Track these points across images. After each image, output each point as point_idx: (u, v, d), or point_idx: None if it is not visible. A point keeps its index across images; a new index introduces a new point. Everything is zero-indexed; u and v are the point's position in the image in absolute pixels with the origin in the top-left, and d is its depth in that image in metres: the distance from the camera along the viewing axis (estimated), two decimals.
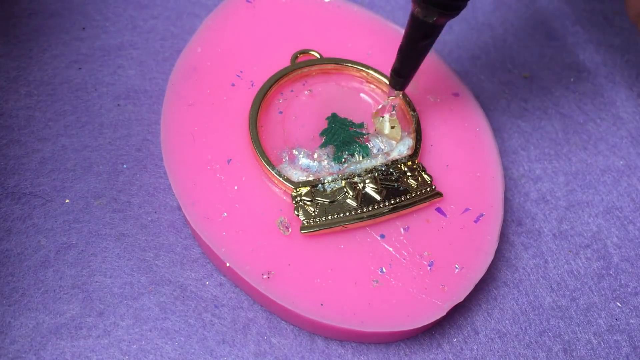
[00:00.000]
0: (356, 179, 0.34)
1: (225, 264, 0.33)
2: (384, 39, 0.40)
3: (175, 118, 0.35)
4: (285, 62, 0.37)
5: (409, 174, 0.35)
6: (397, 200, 0.34)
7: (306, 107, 0.37)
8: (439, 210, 0.35)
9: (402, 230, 0.34)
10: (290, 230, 0.33)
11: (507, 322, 0.35)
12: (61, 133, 0.37)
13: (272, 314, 0.34)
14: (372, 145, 0.36)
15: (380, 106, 0.36)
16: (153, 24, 0.41)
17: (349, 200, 0.34)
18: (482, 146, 0.37)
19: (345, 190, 0.34)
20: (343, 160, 0.35)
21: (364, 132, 0.36)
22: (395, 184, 0.35)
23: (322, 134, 0.36)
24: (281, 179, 0.34)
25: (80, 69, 0.39)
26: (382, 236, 0.34)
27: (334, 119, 0.36)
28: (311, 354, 0.33)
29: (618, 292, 0.37)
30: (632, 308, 0.36)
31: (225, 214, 0.33)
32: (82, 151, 0.37)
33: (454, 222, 0.35)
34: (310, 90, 0.37)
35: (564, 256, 0.37)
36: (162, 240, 0.35)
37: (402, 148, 0.36)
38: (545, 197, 0.39)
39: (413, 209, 0.34)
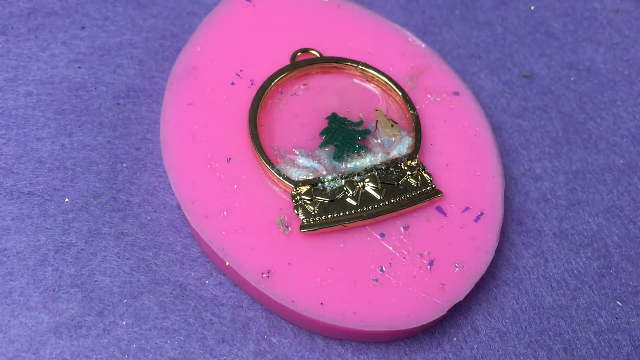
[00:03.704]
0: (356, 178, 0.34)
1: (225, 263, 0.33)
2: (384, 38, 0.40)
3: (175, 117, 0.35)
4: (285, 61, 0.37)
5: (408, 172, 0.35)
6: (397, 199, 0.34)
7: (306, 106, 0.37)
8: (438, 209, 0.35)
9: (402, 229, 0.34)
10: (290, 229, 0.33)
11: (507, 321, 0.35)
12: (60, 132, 0.37)
13: (272, 313, 0.34)
14: (371, 144, 0.36)
15: None
16: (153, 23, 0.41)
17: (348, 199, 0.34)
18: (482, 145, 0.37)
19: (345, 189, 0.34)
20: (342, 159, 0.35)
21: (362, 129, 0.36)
22: (395, 183, 0.35)
23: (322, 133, 0.36)
24: (281, 178, 0.34)
25: (79, 68, 0.39)
26: (382, 235, 0.34)
27: (334, 118, 0.36)
28: (311, 353, 0.33)
29: (618, 291, 0.37)
30: (632, 307, 0.36)
31: (225, 212, 0.33)
32: (81, 150, 0.37)
33: (454, 221, 0.35)
34: (306, 85, 0.37)
35: (565, 255, 0.37)
36: (162, 239, 0.35)
37: (401, 147, 0.36)
38: (546, 196, 0.39)
39: (413, 208, 0.34)
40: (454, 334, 0.35)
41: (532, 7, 0.43)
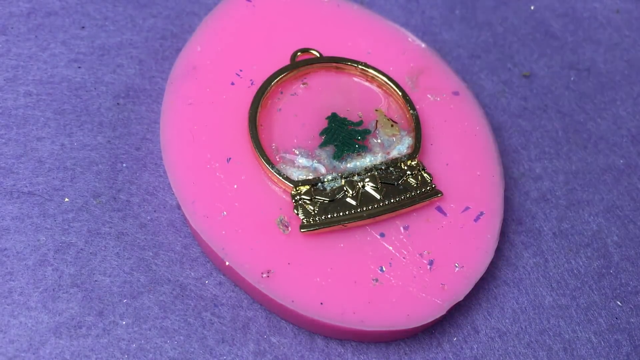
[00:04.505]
0: (356, 178, 0.34)
1: (225, 263, 0.33)
2: (384, 38, 0.40)
3: (175, 117, 0.35)
4: (285, 61, 0.37)
5: (408, 172, 0.35)
6: (397, 199, 0.34)
7: (306, 106, 0.37)
8: (438, 209, 0.35)
9: (402, 229, 0.34)
10: (289, 229, 0.33)
11: (507, 321, 0.35)
12: (60, 132, 0.37)
13: (272, 313, 0.34)
14: (371, 144, 0.36)
15: None
16: (152, 22, 0.41)
17: (348, 199, 0.34)
18: (482, 145, 0.37)
19: (345, 189, 0.34)
20: (342, 159, 0.35)
21: (362, 129, 0.36)
22: (395, 183, 0.35)
23: (322, 133, 0.36)
24: (281, 178, 0.34)
25: (79, 67, 0.39)
26: (382, 235, 0.34)
27: (334, 118, 0.36)
28: (311, 353, 0.33)
29: (618, 291, 0.37)
30: (632, 307, 0.36)
31: (225, 212, 0.33)
32: (81, 150, 0.37)
33: (454, 220, 0.35)
34: (305, 83, 0.37)
35: (564, 255, 0.37)
36: (162, 239, 0.35)
37: (401, 147, 0.36)
38: (546, 196, 0.39)
39: (413, 208, 0.34)
40: (454, 334, 0.35)
41: (532, 7, 0.43)
